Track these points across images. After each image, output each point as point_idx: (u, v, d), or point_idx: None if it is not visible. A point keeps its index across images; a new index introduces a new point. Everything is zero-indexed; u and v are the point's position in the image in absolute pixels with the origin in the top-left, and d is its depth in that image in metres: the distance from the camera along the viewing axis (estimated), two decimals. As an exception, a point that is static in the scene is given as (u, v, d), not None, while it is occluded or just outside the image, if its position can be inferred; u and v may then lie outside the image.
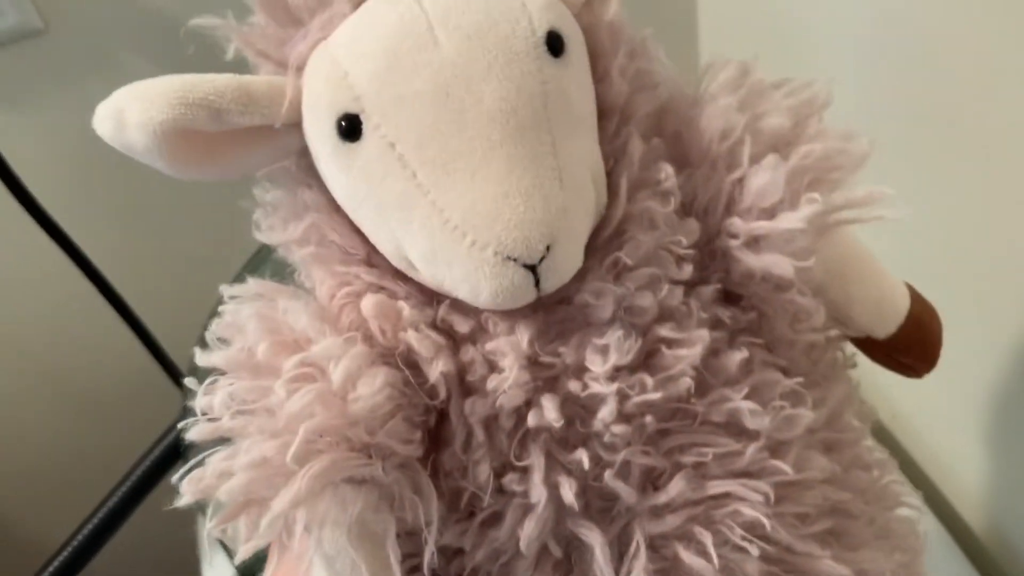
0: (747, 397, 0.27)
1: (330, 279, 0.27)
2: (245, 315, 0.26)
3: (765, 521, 0.26)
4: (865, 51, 0.54)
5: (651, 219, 0.26)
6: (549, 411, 0.25)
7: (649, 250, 0.26)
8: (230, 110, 0.25)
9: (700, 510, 0.27)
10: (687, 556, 0.26)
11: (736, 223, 0.27)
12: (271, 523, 0.23)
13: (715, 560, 0.26)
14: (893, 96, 0.53)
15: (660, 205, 0.26)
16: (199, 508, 0.27)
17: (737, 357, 0.27)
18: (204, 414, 0.25)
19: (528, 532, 0.26)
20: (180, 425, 0.25)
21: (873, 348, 0.32)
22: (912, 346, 0.31)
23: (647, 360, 0.26)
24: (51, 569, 0.59)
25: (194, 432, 0.25)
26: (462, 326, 0.26)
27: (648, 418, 0.26)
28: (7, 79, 0.66)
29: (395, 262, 0.26)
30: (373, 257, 0.27)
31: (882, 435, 0.67)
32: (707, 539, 0.26)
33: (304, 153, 0.27)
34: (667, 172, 0.27)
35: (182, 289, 0.73)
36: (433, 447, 0.27)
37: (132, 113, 0.24)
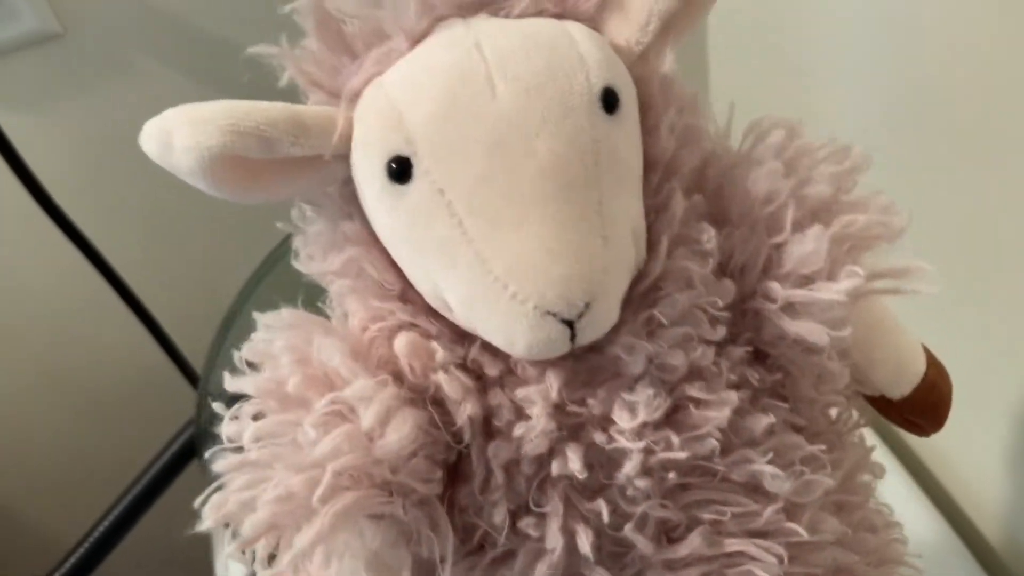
0: (769, 460, 0.27)
1: (363, 311, 0.27)
2: (279, 346, 0.26)
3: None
4: (872, 65, 0.54)
5: (688, 278, 0.26)
6: (573, 461, 0.26)
7: (684, 309, 0.26)
8: (281, 140, 0.24)
9: (714, 567, 0.27)
10: None
11: (775, 288, 0.27)
12: (296, 558, 0.24)
13: None
14: (901, 110, 0.53)
15: (698, 265, 0.26)
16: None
17: (764, 421, 0.27)
18: (231, 441, 0.26)
19: (540, 574, 0.26)
20: (208, 455, 0.26)
21: (886, 406, 0.32)
22: (925, 409, 0.32)
23: (674, 416, 0.26)
24: (66, 567, 0.60)
25: (221, 464, 0.25)
26: (492, 369, 0.26)
27: (671, 474, 0.26)
28: (26, 82, 0.66)
29: (431, 300, 0.26)
30: (408, 293, 0.27)
31: (899, 447, 0.67)
32: None
33: (348, 182, 0.27)
34: (708, 234, 0.27)
35: (197, 289, 0.73)
36: (451, 482, 0.27)
37: (180, 136, 0.24)
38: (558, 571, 0.27)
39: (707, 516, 0.27)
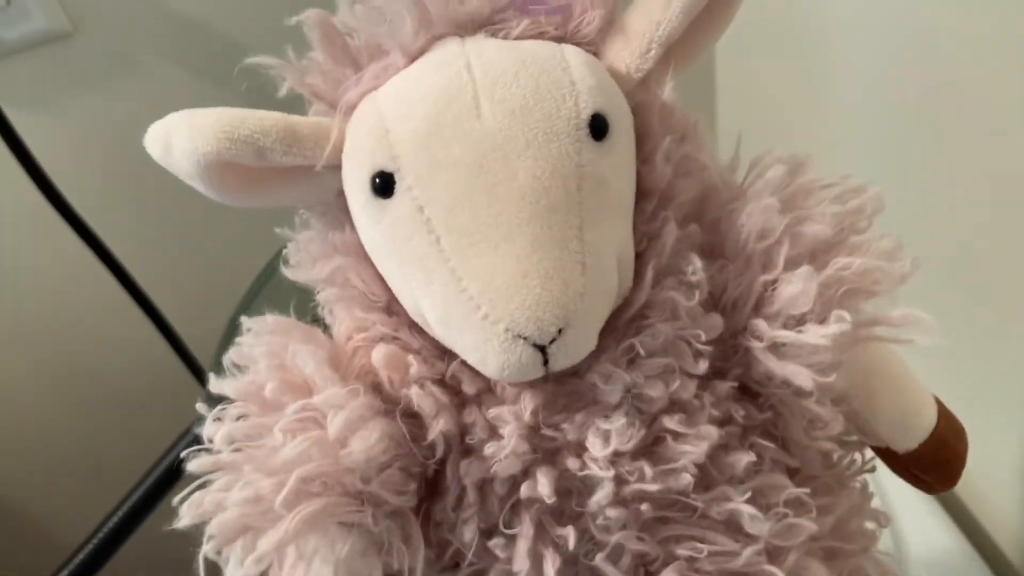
0: (750, 500, 0.26)
1: (349, 321, 0.27)
2: (259, 351, 0.27)
3: None
4: (884, 87, 0.54)
5: (673, 309, 0.26)
6: (543, 485, 0.25)
7: (667, 340, 0.26)
8: (273, 149, 0.25)
9: None
10: None
11: (762, 326, 0.27)
12: (258, 559, 0.24)
13: None
14: (914, 116, 0.52)
15: (684, 297, 0.26)
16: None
17: (745, 460, 0.26)
18: (209, 442, 0.26)
19: None
20: (183, 453, 0.26)
21: (892, 459, 0.31)
22: (933, 466, 0.30)
23: (651, 448, 0.26)
24: (73, 565, 0.60)
25: (194, 464, 0.26)
26: (470, 387, 0.26)
27: (644, 506, 0.26)
28: (37, 81, 0.67)
29: (413, 315, 0.27)
30: (393, 305, 0.27)
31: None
32: None
33: (341, 195, 0.27)
34: (696, 267, 0.26)
35: (206, 287, 0.74)
36: (429, 495, 0.27)
37: (180, 140, 0.25)
38: None
39: (683, 552, 0.26)
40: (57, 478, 0.86)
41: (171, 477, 0.64)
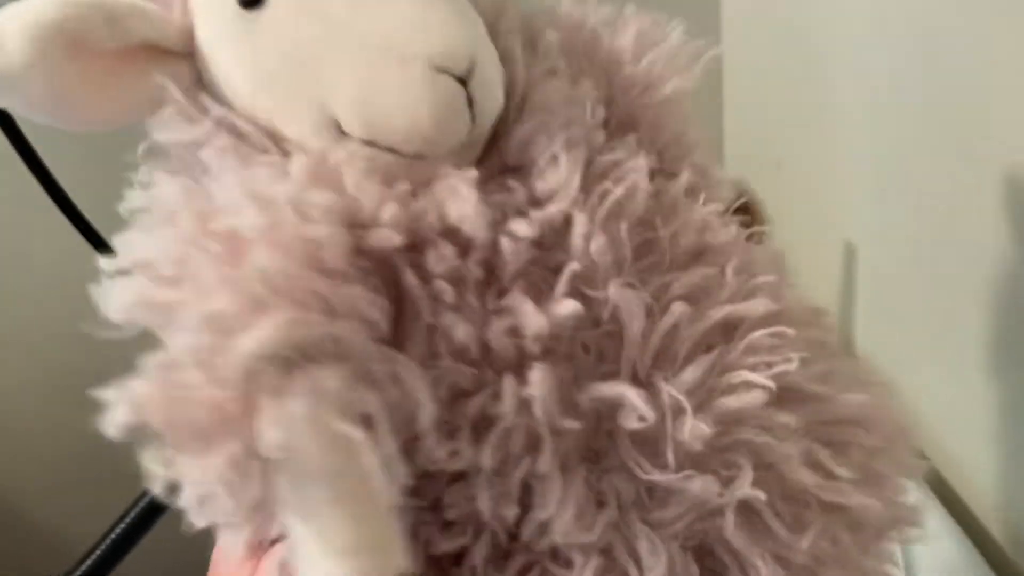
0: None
1: (233, 185, 0.23)
2: (164, 186, 0.24)
3: (789, 330, 0.24)
4: (887, 60, 0.54)
5: (551, 79, 0.27)
6: (520, 226, 0.23)
7: (561, 97, 0.26)
8: (125, 16, 0.23)
9: (716, 354, 0.24)
10: (734, 401, 0.23)
11: (628, 72, 0.28)
12: (244, 366, 0.19)
13: (771, 385, 0.23)
14: (918, 118, 0.53)
15: (555, 77, 0.27)
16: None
17: (680, 183, 0.27)
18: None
19: (537, 379, 0.22)
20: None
21: None
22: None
23: (601, 179, 0.25)
24: (84, 567, 0.60)
25: (115, 305, 0.21)
26: (404, 185, 0.23)
27: (623, 228, 0.24)
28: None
29: (321, 136, 0.24)
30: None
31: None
32: (745, 374, 0.24)
33: (196, 83, 0.25)
34: (550, 39, 0.27)
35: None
36: (396, 346, 0.23)
37: (12, 18, 0.21)
38: (562, 382, 0.23)
39: (677, 290, 0.25)
40: (66, 480, 0.86)
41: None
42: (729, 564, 0.24)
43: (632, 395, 0.23)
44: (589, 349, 0.24)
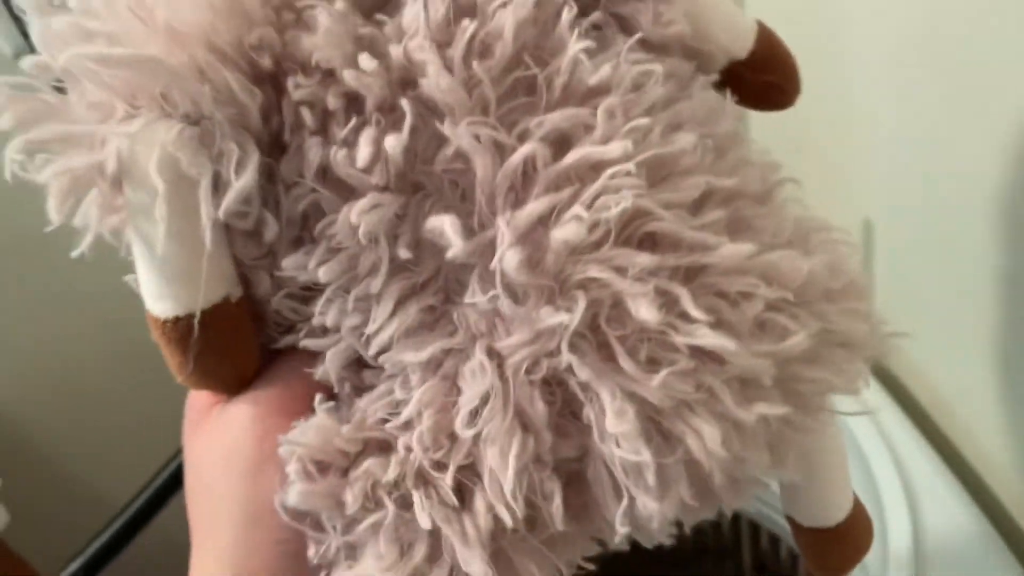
0: (589, 56, 0.24)
1: None
2: None
3: (631, 167, 0.23)
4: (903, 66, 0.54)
5: None
6: (365, 59, 0.23)
7: None
8: None
9: (566, 192, 0.23)
10: (559, 233, 0.23)
11: None
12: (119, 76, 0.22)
13: (584, 215, 0.23)
14: (934, 76, 0.53)
15: None
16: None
17: (568, 16, 0.25)
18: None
19: (362, 207, 0.23)
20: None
21: (740, 75, 0.31)
22: (775, 61, 0.31)
23: (469, 14, 0.24)
24: (121, 520, 0.63)
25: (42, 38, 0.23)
26: (287, 15, 0.24)
27: (477, 68, 0.23)
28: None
29: None
30: None
31: (925, 423, 0.67)
32: (579, 209, 0.23)
33: None
34: None
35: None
36: (274, 156, 0.25)
37: None
38: (389, 215, 0.24)
39: (540, 132, 0.24)
40: (108, 438, 0.90)
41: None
42: (582, 398, 0.24)
43: (448, 226, 0.23)
44: (456, 184, 0.24)
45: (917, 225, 0.62)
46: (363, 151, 0.23)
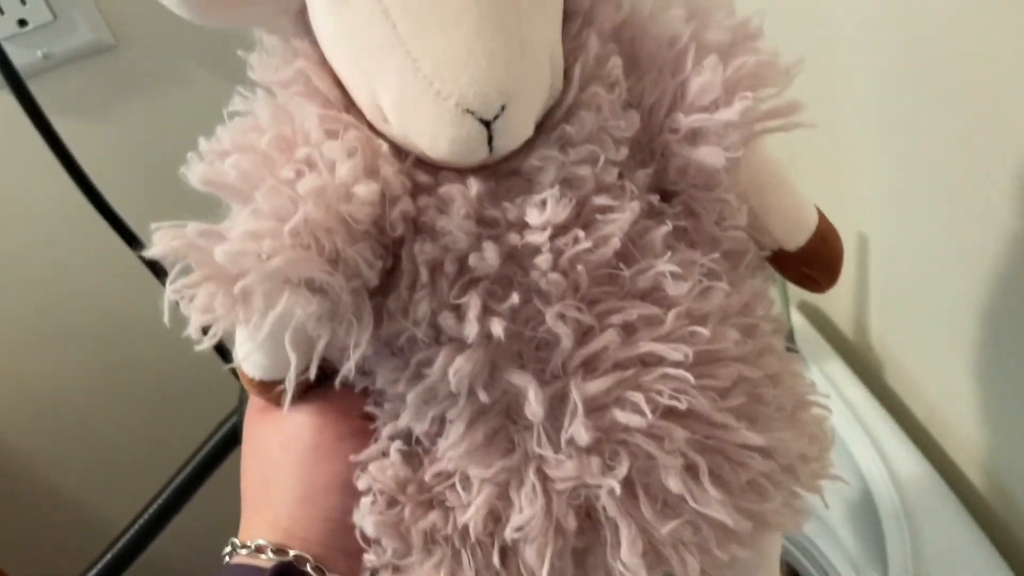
0: (666, 247, 0.30)
1: (313, 118, 0.29)
2: (261, 104, 0.29)
3: (688, 376, 0.28)
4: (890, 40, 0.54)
5: (598, 104, 0.29)
6: (489, 251, 0.28)
7: (592, 130, 0.29)
8: None
9: (630, 374, 0.29)
10: (623, 416, 0.28)
11: (678, 118, 0.30)
12: (235, 299, 0.26)
13: (648, 414, 0.28)
14: (928, 88, 0.53)
15: (607, 92, 0.29)
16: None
17: (663, 231, 0.30)
18: (208, 183, 0.28)
19: (458, 366, 0.28)
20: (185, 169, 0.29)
21: (784, 261, 0.34)
22: (818, 261, 0.35)
23: (582, 220, 0.29)
24: (115, 549, 0.62)
25: (196, 174, 0.27)
26: (422, 178, 0.28)
27: (580, 268, 0.28)
28: (83, 92, 0.70)
29: (369, 113, 0.29)
30: (351, 110, 0.29)
31: (919, 435, 0.67)
32: (639, 398, 0.28)
33: (301, 11, 0.29)
34: (615, 62, 0.30)
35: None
36: (382, 291, 0.29)
37: None
38: (479, 370, 0.28)
39: (618, 319, 0.29)
40: (101, 466, 0.89)
41: (208, 465, 0.66)
42: (605, 524, 0.30)
43: (532, 394, 0.28)
44: (536, 343, 0.29)
45: (909, 238, 0.62)
46: (471, 326, 0.28)
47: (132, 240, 0.66)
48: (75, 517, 0.91)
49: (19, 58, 0.61)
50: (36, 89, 0.60)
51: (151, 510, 0.62)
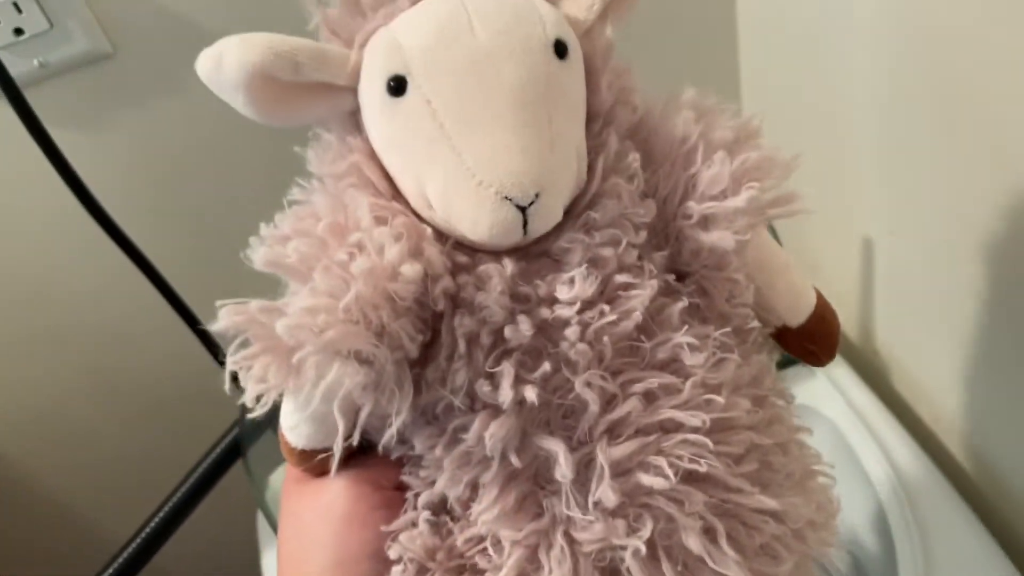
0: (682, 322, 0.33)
1: (364, 206, 0.32)
2: (317, 194, 0.33)
3: (707, 441, 0.31)
4: (893, 67, 0.54)
5: (619, 193, 0.33)
6: (523, 323, 0.31)
7: (615, 216, 0.32)
8: (307, 65, 0.31)
9: (652, 439, 0.31)
10: (647, 479, 0.31)
11: (691, 206, 0.33)
12: (289, 371, 0.28)
13: (672, 477, 0.30)
14: (930, 91, 0.53)
15: (627, 182, 0.33)
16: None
17: (679, 306, 0.33)
18: (270, 263, 0.30)
19: (493, 431, 0.31)
20: (251, 250, 0.31)
21: (787, 337, 0.38)
22: (819, 337, 0.38)
23: (607, 296, 0.32)
24: (116, 564, 0.62)
25: (258, 256, 0.31)
26: (462, 258, 0.32)
27: (605, 340, 0.31)
28: (79, 101, 0.69)
29: (414, 202, 0.32)
30: (398, 198, 0.33)
31: (926, 438, 0.67)
32: (662, 462, 0.31)
33: (354, 112, 0.33)
34: (634, 156, 0.34)
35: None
36: (422, 362, 0.32)
37: (231, 53, 0.30)
38: (512, 435, 0.31)
39: (639, 388, 0.32)
40: (100, 479, 0.89)
41: (210, 479, 0.66)
42: None
43: (563, 458, 0.31)
44: (564, 411, 0.32)
45: (915, 242, 0.62)
46: (506, 393, 0.30)
47: (130, 249, 0.65)
48: (74, 532, 0.90)
49: (15, 67, 0.61)
50: (32, 98, 0.59)
51: (152, 524, 0.62)
